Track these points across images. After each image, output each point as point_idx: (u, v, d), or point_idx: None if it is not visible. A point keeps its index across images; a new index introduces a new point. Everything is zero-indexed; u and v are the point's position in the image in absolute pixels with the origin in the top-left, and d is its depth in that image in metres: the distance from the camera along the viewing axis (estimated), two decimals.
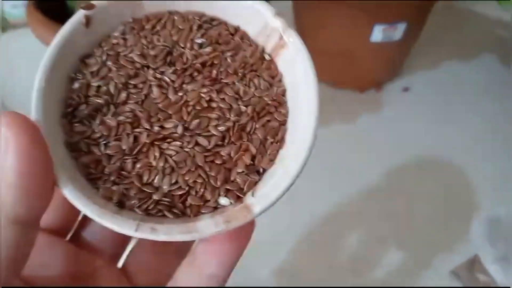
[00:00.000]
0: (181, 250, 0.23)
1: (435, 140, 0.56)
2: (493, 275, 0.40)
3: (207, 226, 0.18)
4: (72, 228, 0.23)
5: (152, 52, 0.22)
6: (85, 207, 0.18)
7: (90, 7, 0.21)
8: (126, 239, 0.24)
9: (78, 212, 0.19)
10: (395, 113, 0.59)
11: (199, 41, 0.22)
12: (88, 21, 0.21)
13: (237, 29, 0.23)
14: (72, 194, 0.18)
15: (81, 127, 0.20)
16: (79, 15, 0.21)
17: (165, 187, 0.20)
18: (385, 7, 0.50)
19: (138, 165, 0.20)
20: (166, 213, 0.19)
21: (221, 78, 0.22)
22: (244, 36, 0.23)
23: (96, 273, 0.22)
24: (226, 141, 0.21)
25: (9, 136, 0.16)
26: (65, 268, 0.22)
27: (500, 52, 0.67)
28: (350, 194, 0.51)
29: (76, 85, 0.21)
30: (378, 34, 0.52)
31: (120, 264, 0.24)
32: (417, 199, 0.51)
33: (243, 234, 0.20)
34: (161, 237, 0.18)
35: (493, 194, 0.51)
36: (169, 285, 0.21)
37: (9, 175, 0.16)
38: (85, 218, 0.23)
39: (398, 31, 0.52)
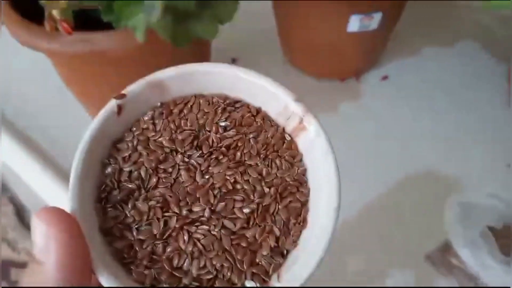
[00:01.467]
0: None
1: (413, 126, 0.58)
2: (464, 259, 0.42)
3: None
4: None
5: (180, 137, 0.23)
6: None
7: (121, 96, 0.22)
8: None
9: None
10: (374, 101, 0.60)
11: (223, 124, 0.23)
12: (120, 109, 0.22)
13: (258, 111, 0.24)
14: (108, 282, 0.19)
15: (114, 212, 0.21)
16: (111, 104, 0.22)
17: (194, 271, 0.20)
18: None
19: (168, 249, 0.21)
20: None
21: (245, 160, 0.22)
22: (266, 117, 0.24)
23: None
24: (251, 223, 0.21)
25: (50, 234, 0.17)
26: None
27: (482, 39, 0.67)
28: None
29: (109, 170, 0.22)
30: (354, 24, 0.53)
31: None
32: (396, 185, 0.52)
33: None
34: None
35: (470, 180, 0.53)
36: None
37: (52, 271, 0.17)
38: None
39: (374, 20, 0.53)
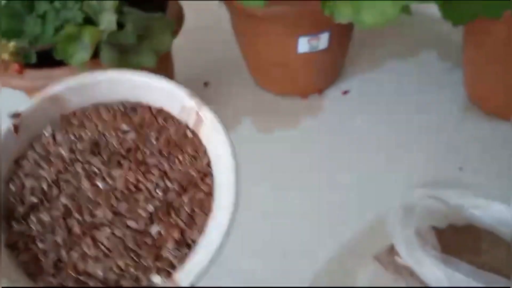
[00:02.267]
0: None
1: (371, 137, 0.60)
2: (403, 256, 0.44)
3: None
4: None
5: (80, 146, 0.24)
6: None
7: (16, 115, 0.23)
8: None
9: None
10: (334, 116, 0.63)
11: (124, 128, 0.24)
12: (16, 128, 0.23)
13: (160, 111, 0.25)
14: None
15: (19, 226, 0.22)
16: (7, 124, 0.23)
17: (100, 274, 0.21)
18: (304, 20, 0.54)
19: (73, 256, 0.21)
20: None
21: (146, 160, 0.23)
22: (168, 116, 0.25)
23: None
24: (155, 219, 0.22)
25: None
26: None
27: (438, 47, 0.70)
28: (293, 194, 0.55)
29: (12, 187, 0.23)
30: (303, 45, 0.57)
31: None
32: (355, 194, 0.55)
33: None
34: None
35: (424, 184, 0.55)
36: None
37: None
38: None
39: (322, 41, 0.57)
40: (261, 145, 0.60)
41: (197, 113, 0.23)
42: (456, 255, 0.46)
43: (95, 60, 0.40)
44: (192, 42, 0.48)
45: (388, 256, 0.48)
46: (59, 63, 0.44)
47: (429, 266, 0.42)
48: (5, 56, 0.36)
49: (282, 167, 0.58)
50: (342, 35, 0.60)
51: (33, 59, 0.43)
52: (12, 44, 0.36)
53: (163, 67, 0.54)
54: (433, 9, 0.73)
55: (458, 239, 0.47)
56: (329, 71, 0.64)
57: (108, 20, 0.37)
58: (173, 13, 0.51)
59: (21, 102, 0.26)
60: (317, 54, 0.58)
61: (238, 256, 0.48)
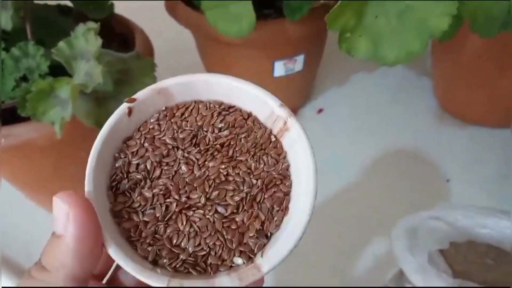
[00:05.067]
0: None
1: (351, 154, 0.59)
2: (417, 285, 0.43)
3: (224, 281, 0.23)
4: (107, 273, 0.27)
5: (181, 135, 0.26)
6: (126, 265, 0.22)
7: (132, 100, 0.26)
8: None
9: (113, 262, 0.23)
10: (311, 135, 0.61)
11: (219, 125, 0.27)
12: (130, 111, 0.26)
13: (249, 115, 0.27)
14: (116, 254, 0.22)
15: (123, 198, 0.25)
16: (123, 107, 0.26)
17: (190, 249, 0.24)
18: (279, 44, 0.52)
19: (168, 230, 0.24)
20: (191, 270, 0.24)
21: (237, 156, 0.26)
22: (255, 121, 0.27)
23: None
24: (240, 209, 0.25)
25: (69, 211, 0.21)
26: None
27: None
28: None
29: (120, 163, 0.26)
30: (279, 69, 0.54)
31: None
32: (341, 218, 0.53)
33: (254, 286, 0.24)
34: None
35: (410, 203, 0.54)
36: None
37: (70, 244, 0.21)
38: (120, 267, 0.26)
39: (298, 63, 0.55)
40: None
41: (285, 122, 0.26)
42: (463, 274, 0.45)
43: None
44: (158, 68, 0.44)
45: (397, 284, 0.47)
46: (22, 118, 0.38)
47: None
48: None
49: None
50: (317, 55, 0.58)
51: None
52: None
53: None
54: None
55: (463, 258, 0.47)
56: (303, 91, 0.62)
57: (89, 73, 0.32)
58: (143, 46, 0.46)
59: None
60: (293, 76, 0.56)
61: None
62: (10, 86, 0.37)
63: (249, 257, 0.24)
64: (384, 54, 0.30)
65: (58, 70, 0.37)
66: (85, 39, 0.33)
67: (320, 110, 0.64)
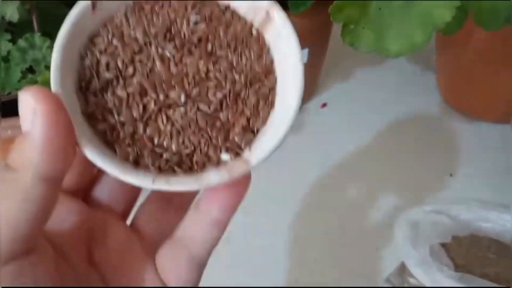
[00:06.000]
0: (184, 204, 0.26)
1: (355, 148, 0.59)
2: (419, 278, 0.43)
3: (212, 177, 0.22)
4: (83, 190, 0.25)
5: (153, 30, 0.24)
6: (106, 165, 0.21)
7: None
8: (134, 197, 0.27)
9: (88, 174, 0.21)
10: (316, 129, 0.62)
11: (194, 18, 0.25)
12: (94, 5, 0.24)
13: (227, 7, 0.25)
14: (94, 154, 0.21)
15: (95, 98, 0.23)
16: (85, 1, 0.23)
17: (174, 147, 0.23)
18: None
19: (148, 130, 0.23)
20: (176, 169, 0.22)
21: (216, 51, 0.24)
22: (234, 13, 0.25)
23: (108, 228, 0.25)
24: (224, 106, 0.23)
25: (36, 106, 0.19)
26: (79, 223, 0.24)
27: None
28: (281, 214, 0.53)
29: (87, 61, 0.23)
30: None
31: (129, 221, 0.27)
32: (345, 212, 0.53)
33: (242, 183, 0.23)
34: (174, 187, 0.21)
35: (414, 197, 0.54)
36: (176, 232, 0.24)
37: (38, 139, 0.19)
38: (97, 179, 0.25)
39: (302, 56, 0.55)
40: None
41: (267, 12, 0.24)
42: (465, 268, 0.46)
43: None
44: None
45: (400, 277, 0.47)
46: None
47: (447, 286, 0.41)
48: None
49: (266, 187, 0.55)
50: (321, 49, 0.58)
51: None
52: None
53: None
54: None
55: (465, 251, 0.47)
56: (307, 85, 0.62)
57: None
58: None
59: None
60: None
61: None
62: (17, 77, 0.37)
63: (236, 153, 0.23)
64: (387, 46, 0.30)
65: None
66: None
67: (324, 105, 0.64)
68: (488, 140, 0.59)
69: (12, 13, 0.39)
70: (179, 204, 0.26)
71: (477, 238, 0.48)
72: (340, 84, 0.67)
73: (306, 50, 0.54)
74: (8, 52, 0.37)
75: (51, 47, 0.37)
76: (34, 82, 0.34)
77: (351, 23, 0.31)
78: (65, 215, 0.24)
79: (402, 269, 0.47)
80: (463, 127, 0.61)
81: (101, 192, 0.26)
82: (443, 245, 0.46)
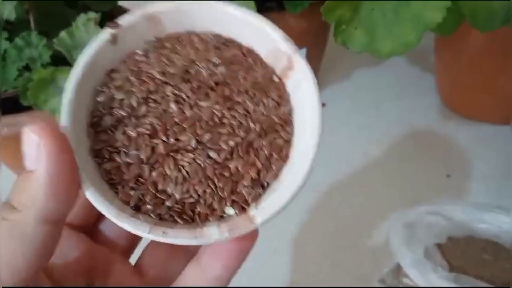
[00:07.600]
0: (190, 250, 0.25)
1: (352, 148, 0.59)
2: (413, 279, 0.43)
3: (213, 233, 0.21)
4: (90, 224, 0.25)
5: (171, 70, 0.23)
6: (104, 209, 0.20)
7: (115, 24, 0.23)
8: (139, 236, 0.26)
9: (96, 210, 0.21)
10: None
11: (214, 60, 0.24)
12: (114, 38, 0.23)
13: (250, 50, 0.24)
14: (93, 196, 0.20)
15: (105, 136, 0.22)
16: (106, 33, 0.23)
17: (177, 195, 0.21)
18: None
19: (154, 174, 0.22)
20: (177, 219, 0.21)
21: (233, 97, 0.23)
22: (256, 58, 0.24)
23: (110, 265, 0.24)
24: (235, 155, 0.22)
25: (41, 143, 0.18)
26: (82, 259, 0.23)
27: (408, 53, 0.70)
28: (280, 215, 0.53)
29: (102, 97, 0.23)
30: None
31: (134, 260, 0.26)
32: (343, 212, 0.53)
33: (247, 241, 0.22)
34: (170, 239, 0.20)
35: (411, 198, 0.54)
36: (174, 284, 0.23)
37: (41, 177, 0.18)
38: (103, 215, 0.25)
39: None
40: None
41: (289, 59, 0.23)
42: (460, 269, 0.46)
43: None
44: None
45: (394, 278, 0.47)
46: (24, 108, 0.39)
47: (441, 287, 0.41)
48: None
49: None
50: (319, 49, 0.58)
51: None
52: None
53: None
54: None
55: (461, 252, 0.47)
56: None
57: None
58: None
59: None
60: None
61: None
62: (13, 75, 0.37)
63: (242, 208, 0.22)
64: (379, 46, 0.30)
65: (60, 60, 0.38)
66: (86, 29, 0.34)
67: (323, 105, 0.64)
68: (487, 142, 0.59)
69: (10, 11, 0.39)
70: (187, 248, 0.25)
71: (472, 239, 0.48)
72: (338, 84, 0.67)
73: (303, 51, 0.54)
74: (5, 50, 0.38)
75: (47, 45, 0.38)
76: (29, 81, 0.34)
77: (343, 23, 0.31)
78: (67, 250, 0.23)
79: (397, 270, 0.47)
80: (461, 128, 0.61)
81: (108, 226, 0.25)
82: (439, 246, 0.46)
